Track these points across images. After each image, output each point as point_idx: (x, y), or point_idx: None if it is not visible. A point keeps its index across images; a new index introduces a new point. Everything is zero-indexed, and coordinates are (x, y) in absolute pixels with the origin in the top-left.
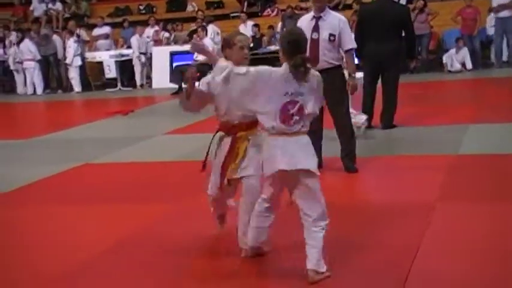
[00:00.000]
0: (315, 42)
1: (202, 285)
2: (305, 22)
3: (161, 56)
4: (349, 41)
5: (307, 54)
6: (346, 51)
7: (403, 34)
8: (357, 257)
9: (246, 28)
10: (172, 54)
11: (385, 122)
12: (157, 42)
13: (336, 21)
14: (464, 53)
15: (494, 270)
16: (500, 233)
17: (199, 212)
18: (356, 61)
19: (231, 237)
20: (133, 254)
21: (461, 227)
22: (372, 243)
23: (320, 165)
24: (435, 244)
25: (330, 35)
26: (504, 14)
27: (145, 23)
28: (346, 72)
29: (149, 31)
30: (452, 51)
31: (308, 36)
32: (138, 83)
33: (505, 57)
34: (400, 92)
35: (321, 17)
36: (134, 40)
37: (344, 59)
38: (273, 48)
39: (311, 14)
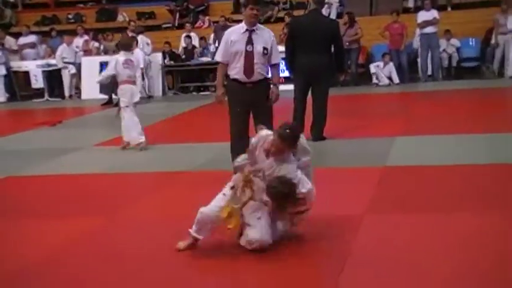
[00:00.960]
0: (250, 55)
1: None
2: (237, 34)
3: (91, 67)
4: (277, 56)
5: (243, 65)
6: (274, 65)
7: (333, 48)
8: (285, 267)
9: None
10: (103, 65)
11: (315, 134)
12: (87, 52)
13: (267, 35)
14: (391, 67)
15: (422, 277)
16: (425, 240)
17: (129, 224)
18: (287, 74)
19: (159, 249)
20: (60, 269)
21: (389, 236)
22: (302, 253)
23: None
24: (363, 253)
25: (264, 48)
26: (429, 29)
27: (74, 33)
28: None
29: (78, 41)
30: (380, 64)
31: (243, 48)
32: (67, 93)
33: (430, 72)
34: (330, 104)
35: (253, 30)
36: (59, 50)
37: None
38: (204, 59)
39: (242, 25)
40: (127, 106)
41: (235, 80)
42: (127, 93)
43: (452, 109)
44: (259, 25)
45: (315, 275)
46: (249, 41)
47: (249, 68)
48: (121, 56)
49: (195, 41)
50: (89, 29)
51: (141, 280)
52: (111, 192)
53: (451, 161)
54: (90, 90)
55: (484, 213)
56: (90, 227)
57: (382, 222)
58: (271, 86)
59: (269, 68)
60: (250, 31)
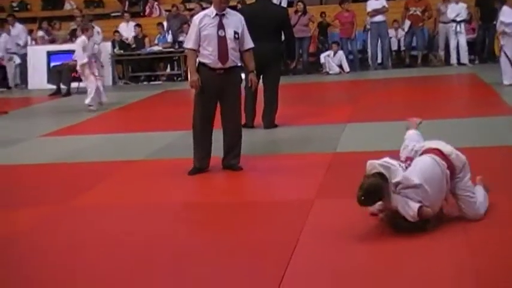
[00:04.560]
0: (223, 40)
1: None
2: (207, 19)
3: (37, 56)
4: (250, 40)
5: (217, 51)
6: (247, 50)
7: (283, 35)
8: (238, 252)
9: (128, 28)
10: (50, 54)
11: (267, 121)
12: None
13: (237, 20)
14: (341, 55)
15: (367, 259)
16: (371, 220)
17: (76, 215)
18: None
19: (106, 238)
20: (8, 260)
21: (337, 220)
22: (254, 238)
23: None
24: (313, 237)
25: (235, 33)
26: (378, 18)
27: (20, 21)
28: None
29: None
30: (330, 52)
31: (214, 32)
32: (11, 83)
33: (379, 60)
34: (281, 92)
35: (224, 14)
36: (2, 40)
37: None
38: (155, 49)
39: (211, 10)
40: None
41: (205, 65)
42: None
43: (401, 96)
44: (229, 10)
45: (268, 256)
46: (220, 26)
47: (223, 54)
48: None
49: (131, 30)
50: (35, 17)
51: (100, 266)
52: (62, 182)
53: (399, 147)
54: (38, 80)
55: None
56: (44, 216)
57: (331, 205)
58: (249, 73)
59: (240, 55)
60: (221, 15)
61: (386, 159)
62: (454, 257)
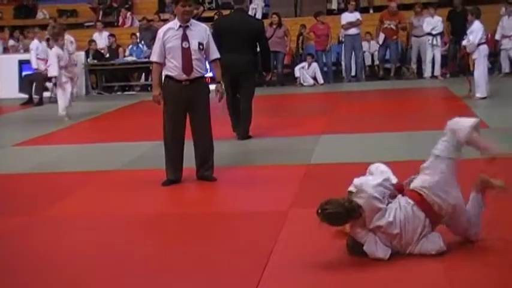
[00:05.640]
0: (187, 51)
1: None
2: (171, 31)
3: (9, 65)
4: (215, 51)
5: (181, 63)
6: (213, 61)
7: (258, 47)
8: (212, 263)
9: (101, 37)
10: (22, 63)
11: (241, 133)
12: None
13: (203, 31)
14: (315, 67)
15: (341, 269)
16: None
17: (49, 225)
18: (211, 74)
19: (78, 250)
20: None
21: (312, 231)
22: (228, 249)
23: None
24: (287, 248)
25: (199, 44)
26: (352, 31)
27: None
28: None
29: None
30: (304, 65)
31: (178, 44)
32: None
33: (353, 72)
34: (256, 104)
35: (188, 26)
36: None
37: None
38: (129, 59)
39: (175, 22)
40: None
41: (170, 77)
42: None
43: (374, 108)
44: (193, 21)
45: (244, 266)
46: (184, 37)
47: (188, 65)
48: None
49: (105, 40)
50: (6, 26)
51: (71, 278)
52: (35, 192)
53: (372, 158)
54: (9, 89)
55: None
56: (16, 227)
57: (305, 216)
58: (216, 84)
59: (208, 65)
60: (184, 27)
61: (381, 189)
62: (429, 281)
